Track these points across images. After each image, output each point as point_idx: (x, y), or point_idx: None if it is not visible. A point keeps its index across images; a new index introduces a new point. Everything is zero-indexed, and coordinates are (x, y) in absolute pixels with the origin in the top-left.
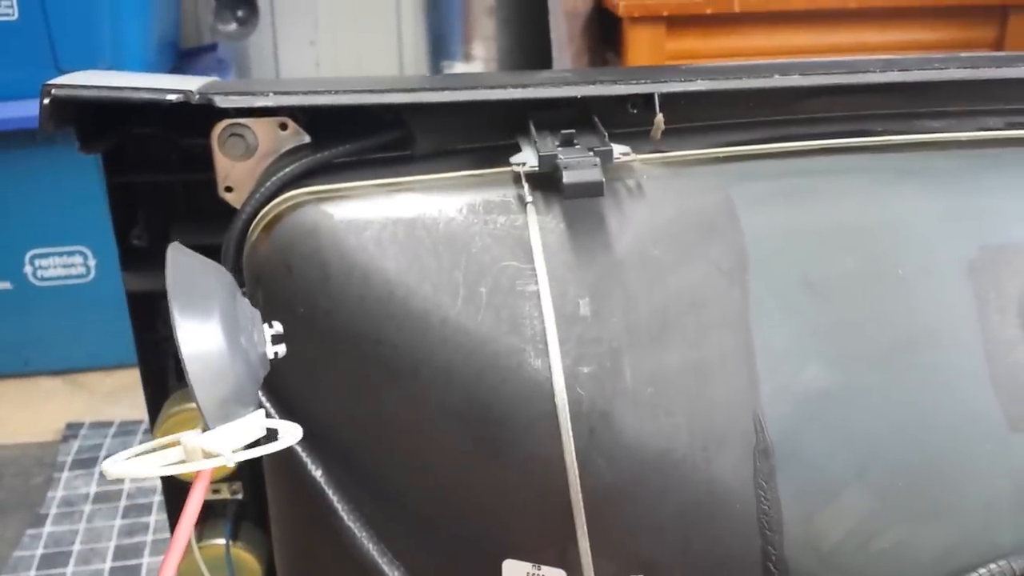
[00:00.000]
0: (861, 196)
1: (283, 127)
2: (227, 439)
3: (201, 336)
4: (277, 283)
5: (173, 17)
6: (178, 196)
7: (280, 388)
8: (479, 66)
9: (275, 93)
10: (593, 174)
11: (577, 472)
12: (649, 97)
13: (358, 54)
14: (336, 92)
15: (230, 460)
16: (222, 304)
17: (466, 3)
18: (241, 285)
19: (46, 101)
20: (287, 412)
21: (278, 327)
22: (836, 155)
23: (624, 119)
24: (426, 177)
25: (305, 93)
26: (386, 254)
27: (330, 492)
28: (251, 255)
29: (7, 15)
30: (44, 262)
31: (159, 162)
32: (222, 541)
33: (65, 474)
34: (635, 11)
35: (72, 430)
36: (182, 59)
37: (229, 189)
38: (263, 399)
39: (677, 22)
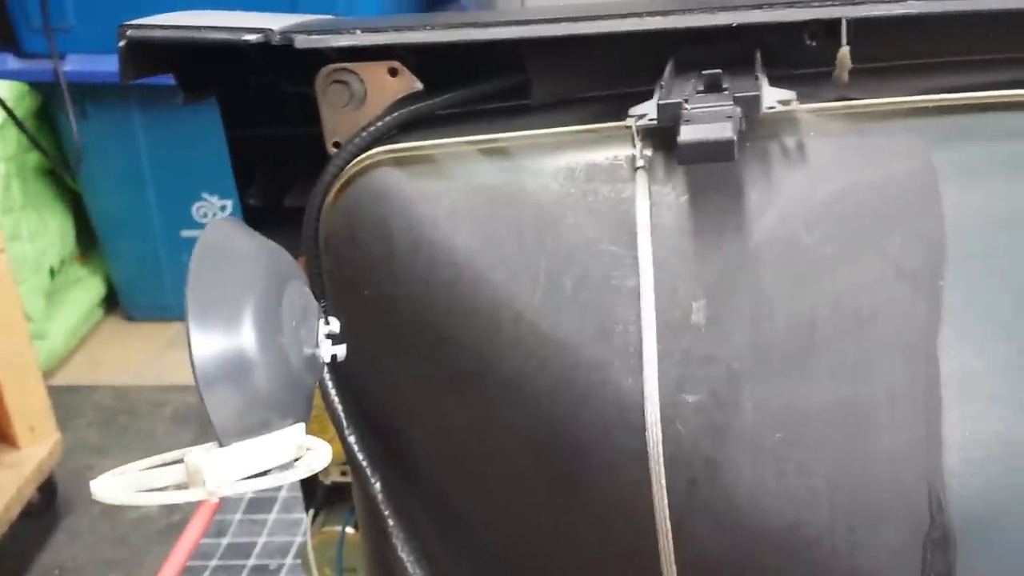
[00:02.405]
0: None
1: (392, 72)
2: (243, 460)
3: (217, 332)
4: (342, 256)
5: None
6: (298, 153)
7: (344, 381)
8: None
9: (364, 31)
10: (719, 130)
11: (670, 537)
12: (834, 24)
13: None
14: (432, 28)
15: (231, 491)
16: (258, 296)
17: None
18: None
19: (121, 44)
20: (353, 408)
21: (334, 325)
22: None
23: (802, 56)
24: (527, 133)
25: (399, 30)
26: (458, 230)
27: (387, 513)
28: (325, 220)
29: None
30: None
31: (273, 114)
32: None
33: None
34: None
35: None
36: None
37: (337, 145)
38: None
39: None
